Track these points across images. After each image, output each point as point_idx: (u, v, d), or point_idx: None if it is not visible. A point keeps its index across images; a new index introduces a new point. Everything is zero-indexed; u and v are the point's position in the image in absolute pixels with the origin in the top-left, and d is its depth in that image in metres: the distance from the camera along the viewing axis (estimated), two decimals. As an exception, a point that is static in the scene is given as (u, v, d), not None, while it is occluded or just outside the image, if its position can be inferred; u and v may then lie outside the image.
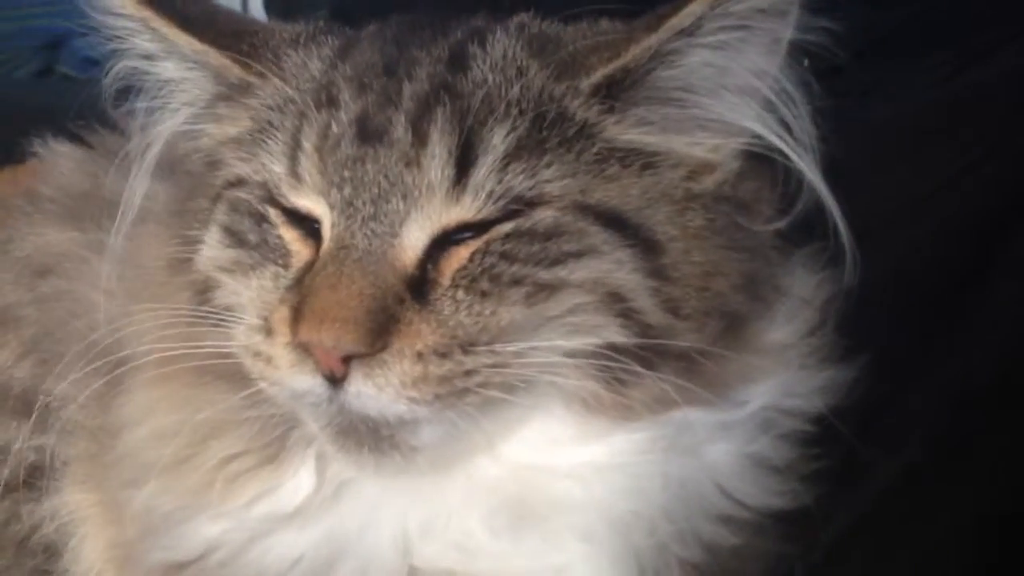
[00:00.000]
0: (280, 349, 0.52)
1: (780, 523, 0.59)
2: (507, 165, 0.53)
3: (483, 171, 0.53)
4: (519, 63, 0.56)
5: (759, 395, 0.58)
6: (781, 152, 0.55)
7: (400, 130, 0.53)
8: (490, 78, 0.55)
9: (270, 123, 0.58)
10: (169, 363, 0.57)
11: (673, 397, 0.54)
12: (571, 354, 0.53)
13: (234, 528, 0.58)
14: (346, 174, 0.53)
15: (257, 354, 0.53)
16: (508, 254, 0.53)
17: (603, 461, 0.56)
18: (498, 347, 0.52)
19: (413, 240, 0.53)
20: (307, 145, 0.55)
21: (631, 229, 0.54)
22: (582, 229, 0.54)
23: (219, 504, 0.58)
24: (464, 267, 0.53)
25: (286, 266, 0.55)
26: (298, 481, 0.57)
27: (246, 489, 0.57)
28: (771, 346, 0.58)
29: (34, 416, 0.73)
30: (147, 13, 0.60)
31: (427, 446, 0.53)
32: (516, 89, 0.54)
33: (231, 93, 0.61)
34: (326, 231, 0.54)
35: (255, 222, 0.57)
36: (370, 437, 0.52)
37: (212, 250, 0.59)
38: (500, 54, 0.56)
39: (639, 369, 0.53)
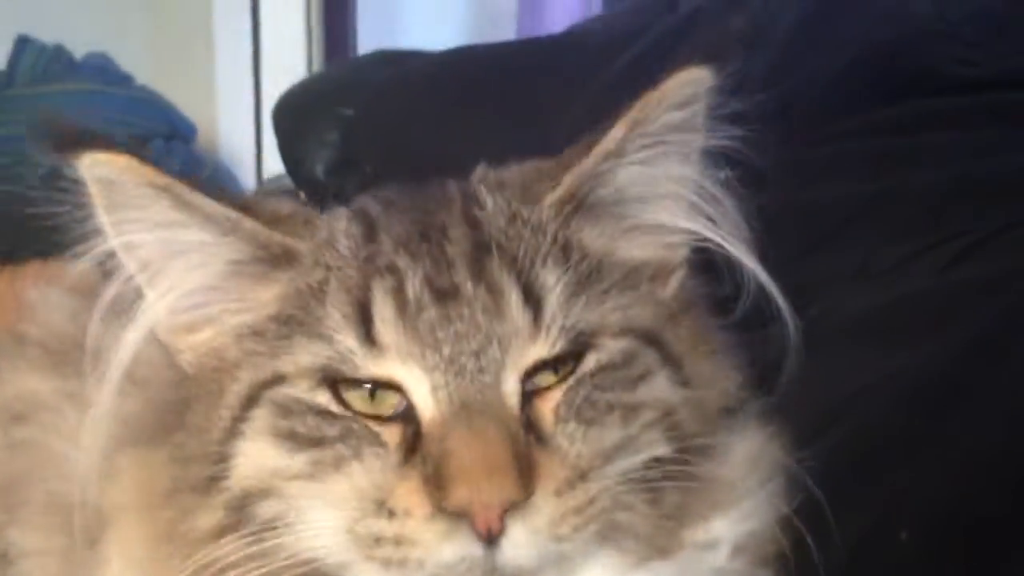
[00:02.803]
0: (420, 523, 0.51)
1: None
2: (568, 301, 0.57)
3: (551, 308, 0.56)
4: (512, 209, 0.60)
5: (726, 529, 0.61)
6: (717, 244, 0.62)
7: (469, 286, 0.56)
8: (507, 230, 0.59)
9: (314, 298, 0.56)
10: None
11: (685, 513, 0.58)
12: (632, 474, 0.56)
13: None
14: (440, 334, 0.54)
15: (378, 540, 0.52)
16: (599, 384, 0.57)
17: None
18: (607, 469, 0.55)
19: (511, 385, 0.55)
20: (384, 311, 0.55)
21: (661, 346, 0.60)
22: (640, 352, 0.59)
23: None
24: (562, 403, 0.56)
25: (383, 447, 0.54)
26: None
27: None
28: (730, 483, 0.62)
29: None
30: (169, 180, 0.57)
31: None
32: (527, 233, 0.59)
33: (259, 267, 0.59)
34: (422, 396, 0.54)
35: (322, 418, 0.55)
36: None
37: (268, 461, 0.56)
38: (494, 207, 0.60)
39: (668, 483, 0.58)
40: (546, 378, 0.56)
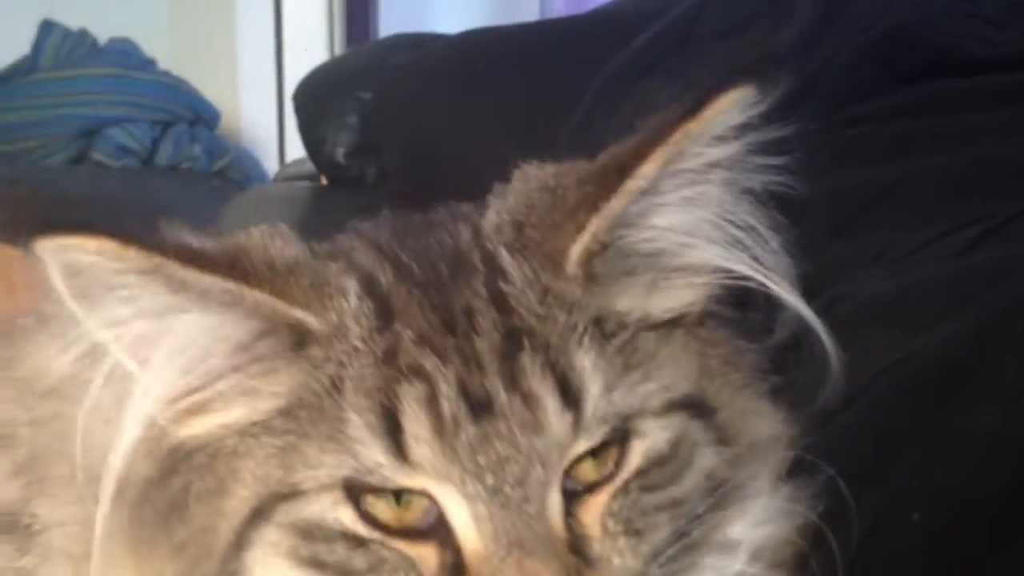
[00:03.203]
0: None
1: None
2: (608, 387, 0.52)
3: (592, 401, 0.52)
4: (542, 282, 0.54)
5: (742, 533, 0.59)
6: (760, 283, 0.57)
7: (504, 397, 0.50)
8: (538, 309, 0.53)
9: (328, 396, 0.52)
10: None
11: (709, 537, 0.56)
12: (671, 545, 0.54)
13: None
14: (481, 459, 0.50)
15: None
16: (646, 485, 0.53)
17: None
18: (653, 568, 0.53)
19: (555, 504, 0.52)
20: (417, 428, 0.50)
21: (703, 406, 0.56)
22: (685, 431, 0.55)
23: None
24: (610, 511, 0.52)
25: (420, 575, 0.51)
26: None
27: None
28: (743, 484, 0.59)
29: (18, 538, 0.72)
30: (158, 259, 0.49)
31: None
32: (559, 310, 0.53)
33: (265, 347, 0.53)
34: (461, 521, 0.51)
35: (349, 545, 0.51)
36: None
37: None
38: (522, 281, 0.54)
39: (700, 527, 0.55)
40: (586, 467, 0.53)
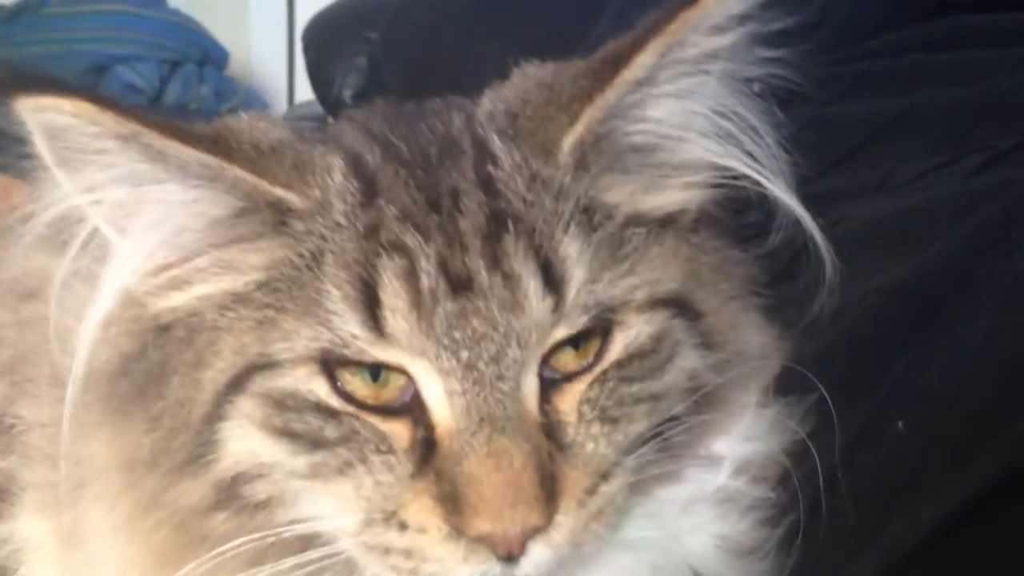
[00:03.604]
0: (436, 542, 0.49)
1: None
2: (592, 276, 0.52)
3: (575, 287, 0.51)
4: (531, 168, 0.54)
5: (728, 448, 0.59)
6: (755, 181, 0.57)
7: (484, 276, 0.50)
8: (525, 195, 0.53)
9: (308, 269, 0.51)
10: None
11: (691, 446, 0.56)
12: (648, 444, 0.54)
13: None
14: (457, 335, 0.50)
15: (387, 550, 0.50)
16: (626, 376, 0.53)
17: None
18: (628, 461, 0.52)
19: (531, 386, 0.51)
20: (395, 301, 0.50)
21: (688, 307, 0.56)
22: (669, 328, 0.54)
23: None
24: (586, 398, 0.52)
25: (390, 451, 0.51)
26: None
27: None
28: (729, 399, 0.60)
29: (1, 438, 0.72)
30: (135, 126, 0.49)
31: None
32: (547, 197, 0.53)
33: (245, 224, 0.53)
34: (435, 397, 0.50)
35: (322, 416, 0.51)
36: None
37: (263, 455, 0.52)
38: (511, 166, 0.54)
39: (680, 431, 0.55)
40: (566, 357, 0.52)
